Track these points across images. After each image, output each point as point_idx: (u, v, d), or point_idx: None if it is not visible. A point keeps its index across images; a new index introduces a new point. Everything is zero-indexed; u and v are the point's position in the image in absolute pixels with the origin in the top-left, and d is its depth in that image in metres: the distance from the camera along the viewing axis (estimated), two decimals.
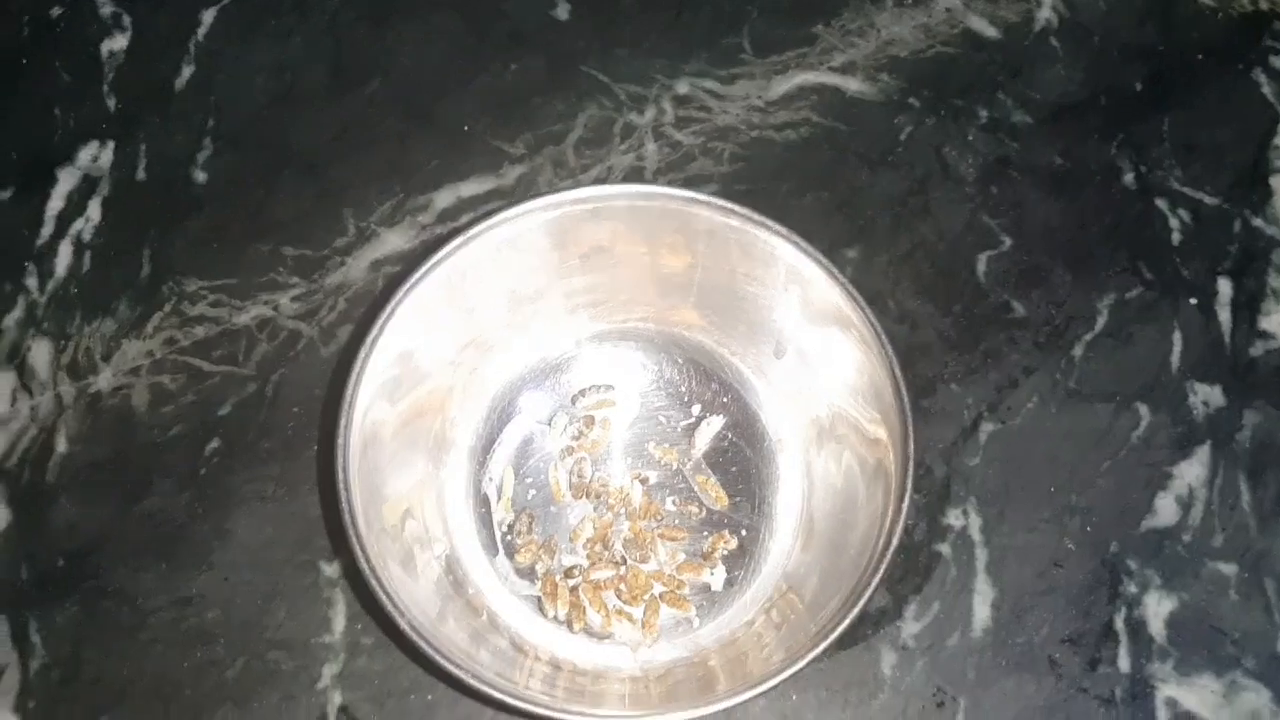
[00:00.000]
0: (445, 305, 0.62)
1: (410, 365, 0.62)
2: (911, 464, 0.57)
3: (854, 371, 0.62)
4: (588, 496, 0.67)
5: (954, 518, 0.67)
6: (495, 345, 0.67)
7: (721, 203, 0.62)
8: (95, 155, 0.77)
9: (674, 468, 0.67)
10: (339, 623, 0.64)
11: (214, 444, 0.69)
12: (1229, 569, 0.66)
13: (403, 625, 0.54)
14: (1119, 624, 0.65)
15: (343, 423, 0.58)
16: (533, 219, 0.63)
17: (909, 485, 0.57)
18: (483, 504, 0.66)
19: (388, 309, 0.60)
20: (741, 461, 0.67)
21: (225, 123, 0.78)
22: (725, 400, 0.68)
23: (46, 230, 0.75)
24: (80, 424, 0.69)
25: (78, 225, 0.75)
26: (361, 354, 0.59)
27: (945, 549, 0.67)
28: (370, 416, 0.59)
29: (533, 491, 0.67)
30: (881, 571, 0.56)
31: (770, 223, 0.61)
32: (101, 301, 0.73)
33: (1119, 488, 0.68)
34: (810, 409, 0.66)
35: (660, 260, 0.66)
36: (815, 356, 0.65)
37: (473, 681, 0.53)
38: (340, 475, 0.57)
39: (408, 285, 0.60)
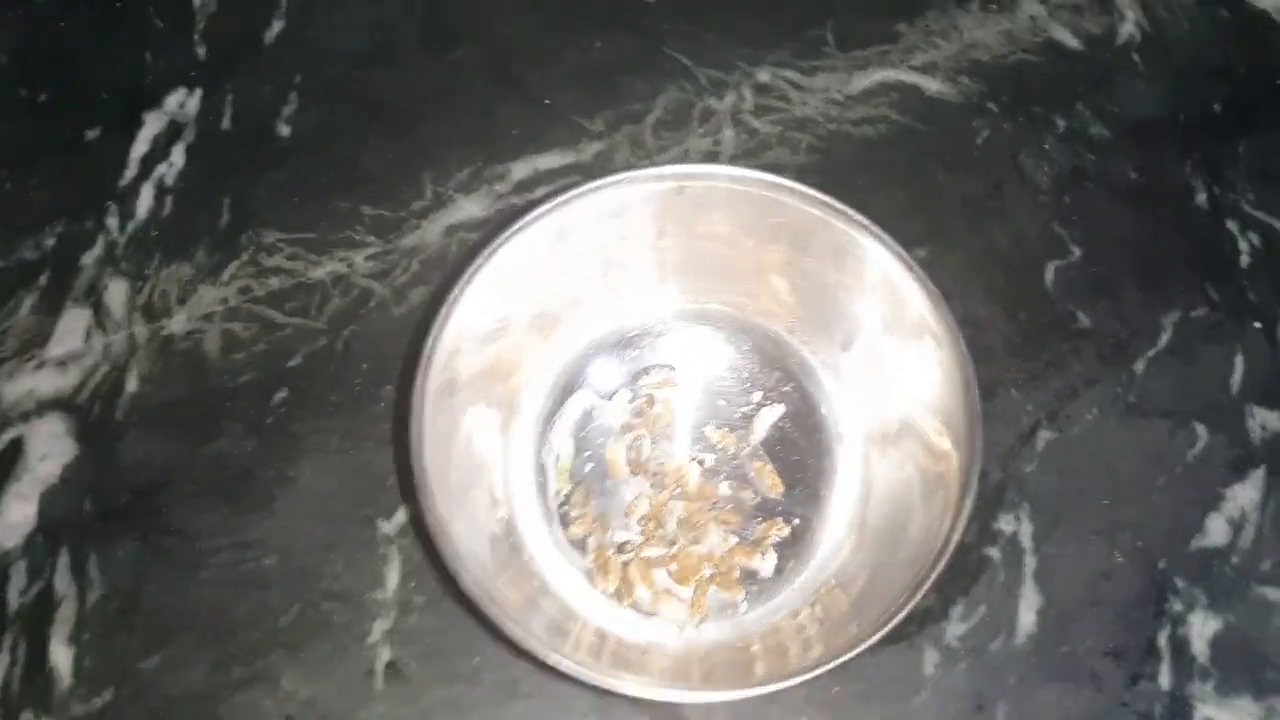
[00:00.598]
0: (530, 267, 0.63)
1: (491, 322, 0.64)
2: (975, 473, 0.58)
3: (925, 375, 0.62)
4: (644, 474, 0.67)
5: (1006, 523, 0.68)
6: (570, 315, 0.68)
7: (819, 195, 0.63)
8: (182, 102, 0.78)
9: (731, 452, 0.68)
10: (393, 579, 0.66)
11: (282, 393, 0.70)
12: (1276, 594, 0.67)
13: (464, 584, 0.55)
14: (1162, 641, 0.66)
15: (421, 370, 0.59)
16: (627, 191, 0.64)
17: (970, 494, 0.58)
18: (541, 473, 0.67)
19: (475, 264, 0.61)
20: (799, 452, 0.68)
21: (312, 78, 0.80)
22: (787, 389, 0.69)
23: (130, 172, 0.76)
24: (152, 364, 0.70)
25: (161, 169, 0.76)
26: (448, 301, 0.61)
27: (995, 553, 0.67)
28: (450, 367, 0.61)
29: (590, 465, 0.67)
30: (933, 578, 0.56)
31: (862, 218, 0.62)
32: (180, 246, 0.74)
33: (1172, 505, 0.69)
34: (875, 409, 0.67)
35: (745, 245, 0.67)
36: (886, 356, 0.66)
37: (530, 642, 0.54)
38: (415, 424, 0.58)
39: (497, 242, 0.62)
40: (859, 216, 0.62)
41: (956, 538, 0.57)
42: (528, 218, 0.62)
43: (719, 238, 0.66)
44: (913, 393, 0.64)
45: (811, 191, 0.63)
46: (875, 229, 0.62)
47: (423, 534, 0.62)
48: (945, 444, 0.61)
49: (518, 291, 0.64)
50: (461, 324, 0.61)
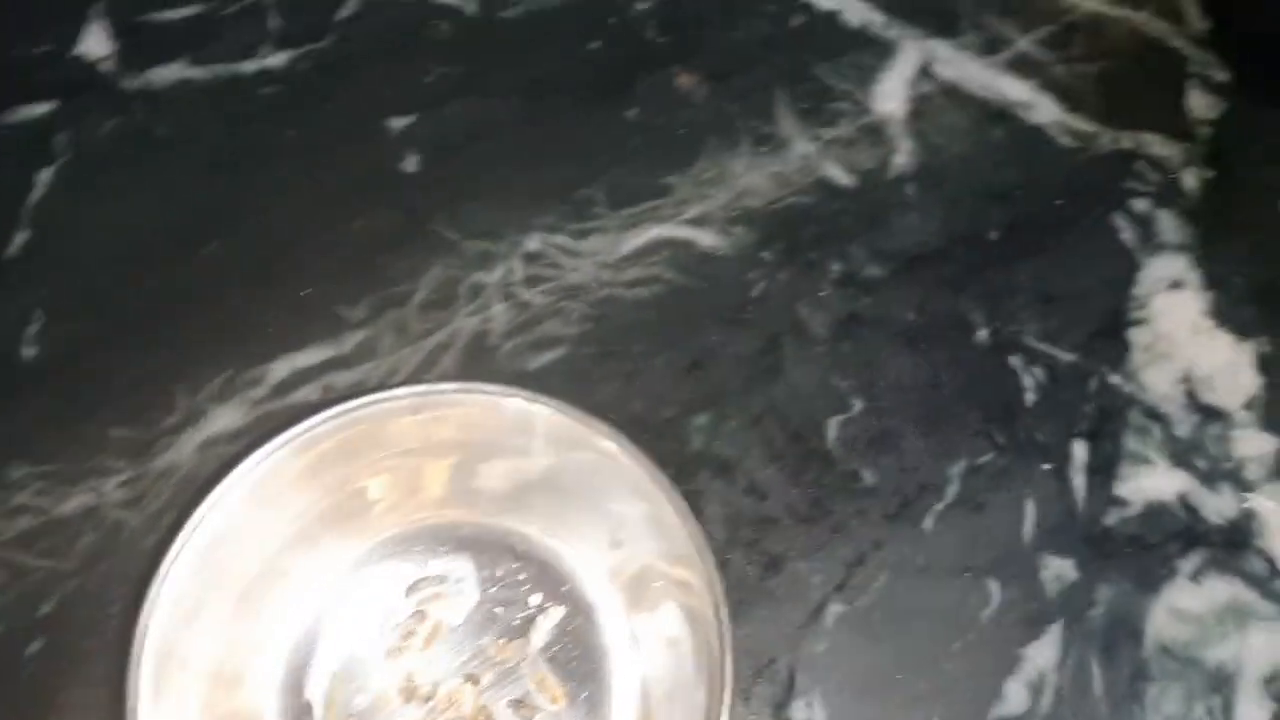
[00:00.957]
0: (266, 502, 0.61)
1: (223, 566, 0.61)
2: (729, 681, 0.56)
3: (685, 570, 0.61)
4: (417, 700, 0.64)
5: (798, 711, 0.66)
6: (321, 538, 0.65)
7: (551, 402, 0.62)
8: None
9: (511, 664, 0.65)
10: None
11: (35, 646, 0.67)
12: None
13: None
14: None
15: (137, 640, 0.57)
16: (362, 416, 0.62)
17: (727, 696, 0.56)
18: (305, 713, 0.63)
19: (189, 525, 0.58)
20: (580, 656, 0.66)
21: (59, 292, 0.76)
22: (564, 590, 0.67)
23: None
24: None
25: None
26: (157, 577, 0.58)
27: None
28: (171, 641, 0.58)
29: (359, 697, 0.64)
30: None
31: (585, 416, 0.62)
32: None
33: (968, 673, 0.67)
34: (648, 598, 0.64)
35: (499, 454, 0.65)
36: (648, 549, 0.63)
37: None
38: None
39: (209, 502, 0.60)
40: (560, 403, 0.63)
41: None
42: (249, 460, 0.60)
43: (470, 449, 0.64)
44: (672, 574, 0.63)
45: (544, 399, 0.62)
46: (578, 412, 0.63)
47: None
48: (712, 638, 0.59)
49: (253, 528, 0.61)
50: (180, 585, 0.58)
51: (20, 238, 0.77)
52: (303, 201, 0.78)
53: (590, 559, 0.66)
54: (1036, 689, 0.66)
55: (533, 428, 0.63)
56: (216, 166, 0.80)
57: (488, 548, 0.67)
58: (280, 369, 0.73)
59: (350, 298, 0.75)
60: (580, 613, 0.66)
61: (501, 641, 0.66)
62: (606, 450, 0.62)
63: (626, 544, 0.64)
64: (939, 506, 0.70)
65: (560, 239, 0.77)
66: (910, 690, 0.66)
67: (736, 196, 0.79)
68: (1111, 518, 0.70)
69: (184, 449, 0.71)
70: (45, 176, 0.79)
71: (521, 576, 0.66)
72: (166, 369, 0.73)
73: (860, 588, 0.68)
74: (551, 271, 0.76)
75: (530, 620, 0.66)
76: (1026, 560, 0.69)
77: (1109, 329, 0.75)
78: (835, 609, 0.68)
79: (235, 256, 0.77)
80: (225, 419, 0.72)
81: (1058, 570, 0.68)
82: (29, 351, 0.73)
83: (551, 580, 0.66)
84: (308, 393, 0.72)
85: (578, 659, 0.65)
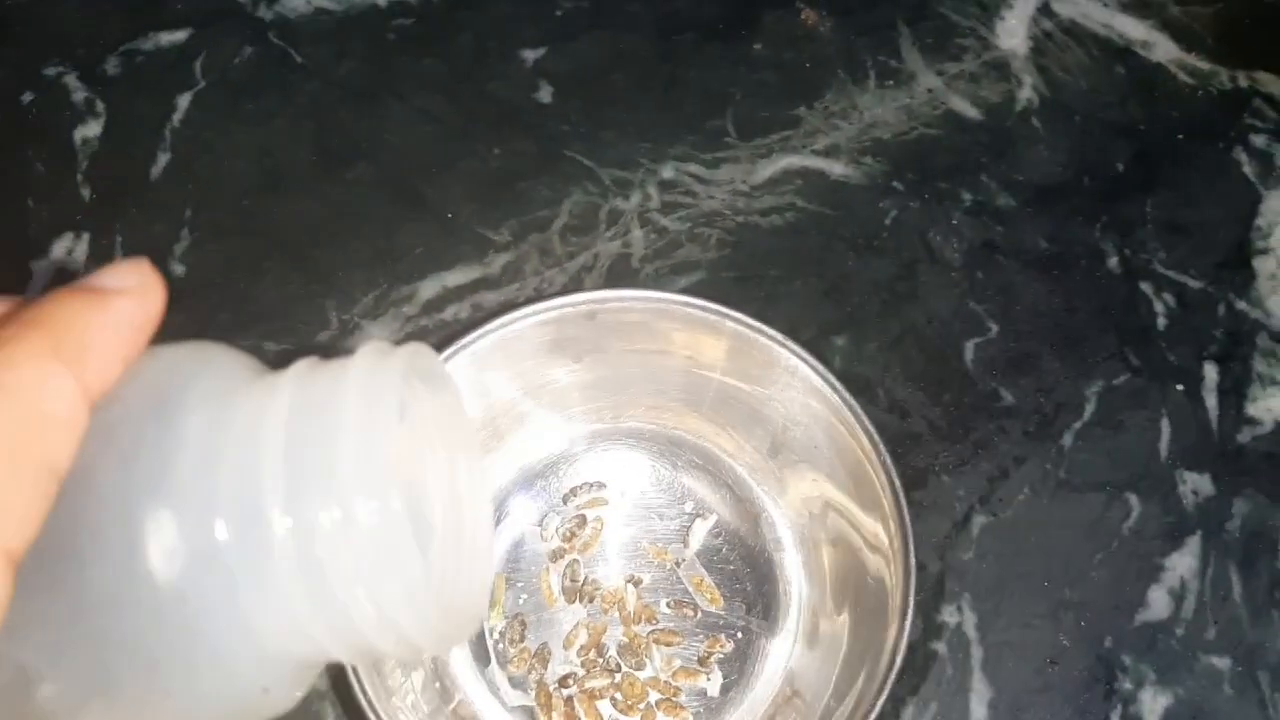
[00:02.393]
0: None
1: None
2: (913, 575, 0.57)
3: (849, 474, 0.62)
4: (581, 600, 0.66)
5: (949, 614, 0.67)
6: (489, 444, 0.67)
7: (714, 307, 0.62)
8: (70, 248, 0.76)
9: (668, 567, 0.67)
10: None
11: None
12: (1222, 663, 0.66)
13: None
14: None
15: None
16: (525, 322, 0.62)
17: (911, 598, 0.57)
18: None
19: None
20: (736, 560, 0.67)
21: (204, 211, 0.77)
22: (719, 497, 0.68)
23: None
24: None
25: None
26: None
27: (941, 647, 0.66)
28: None
29: (524, 596, 0.66)
30: (889, 684, 0.56)
31: (764, 327, 0.62)
32: None
33: (1112, 580, 0.68)
34: (807, 507, 0.66)
35: (652, 360, 0.66)
36: (811, 456, 0.65)
37: None
38: None
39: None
40: (751, 320, 0.62)
41: (906, 633, 0.56)
42: (441, 356, 0.61)
43: (634, 356, 0.65)
44: (837, 484, 0.64)
45: (697, 301, 0.62)
46: (768, 330, 0.62)
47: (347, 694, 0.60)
48: (878, 532, 0.60)
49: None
50: None
51: (163, 159, 0.79)
52: (442, 129, 0.80)
53: (750, 467, 0.68)
54: (1178, 597, 0.68)
55: (711, 336, 0.64)
56: (354, 94, 0.81)
57: (648, 453, 0.69)
58: (430, 287, 0.75)
59: (494, 221, 0.77)
60: (738, 519, 0.67)
61: (659, 545, 0.67)
62: (785, 363, 0.62)
63: (792, 455, 0.65)
64: (1077, 424, 0.72)
65: (693, 168, 0.79)
66: (1057, 596, 0.68)
67: (865, 128, 0.80)
68: (1245, 436, 0.72)
69: None
70: (184, 101, 0.80)
71: (680, 482, 0.68)
72: (316, 285, 0.75)
73: (1004, 501, 0.70)
74: (686, 199, 0.78)
75: (688, 524, 0.67)
76: (1164, 476, 0.70)
77: (1235, 258, 0.76)
78: (980, 520, 0.69)
79: (378, 179, 0.78)
80: (378, 334, 0.73)
81: (1195, 485, 0.70)
82: (178, 269, 0.75)
83: (709, 487, 0.68)
84: (457, 310, 0.74)
85: (736, 563, 0.67)
